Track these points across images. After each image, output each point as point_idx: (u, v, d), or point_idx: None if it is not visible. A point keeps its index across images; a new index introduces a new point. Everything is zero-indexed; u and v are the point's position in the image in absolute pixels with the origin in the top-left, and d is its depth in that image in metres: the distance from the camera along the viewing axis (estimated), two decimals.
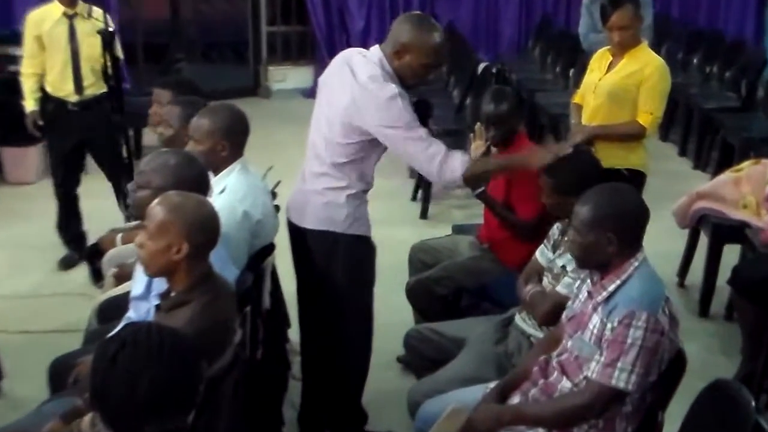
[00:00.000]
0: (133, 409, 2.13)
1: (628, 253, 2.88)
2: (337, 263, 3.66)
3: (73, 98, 5.72)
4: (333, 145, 3.55)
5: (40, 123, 5.78)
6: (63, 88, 5.71)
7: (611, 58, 4.74)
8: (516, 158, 3.88)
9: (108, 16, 5.59)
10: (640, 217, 2.93)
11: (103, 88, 5.63)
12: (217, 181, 3.60)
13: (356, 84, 3.48)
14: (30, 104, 5.78)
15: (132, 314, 3.29)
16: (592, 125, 4.70)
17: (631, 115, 4.62)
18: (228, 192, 3.58)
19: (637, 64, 4.63)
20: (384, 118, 3.42)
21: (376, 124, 3.44)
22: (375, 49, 3.56)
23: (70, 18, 5.67)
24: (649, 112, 4.60)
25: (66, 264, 5.91)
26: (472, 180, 3.60)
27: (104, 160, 5.91)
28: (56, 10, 5.67)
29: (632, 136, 4.64)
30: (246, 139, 3.75)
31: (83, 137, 5.80)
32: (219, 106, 3.82)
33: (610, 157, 4.43)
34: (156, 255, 2.81)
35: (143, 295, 3.23)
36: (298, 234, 3.76)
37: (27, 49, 5.76)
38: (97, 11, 5.64)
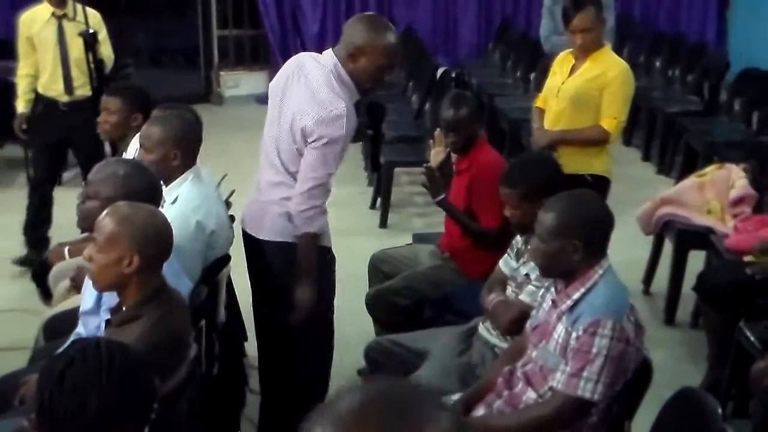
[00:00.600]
0: (83, 428, 2.08)
1: (593, 261, 2.84)
2: (295, 275, 3.57)
3: (64, 98, 5.84)
4: (287, 153, 3.47)
5: (24, 127, 5.95)
6: (54, 88, 5.85)
7: (573, 61, 4.72)
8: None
9: (97, 18, 5.78)
10: (605, 223, 2.89)
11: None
12: (169, 191, 3.51)
13: (308, 91, 3.40)
14: (21, 105, 5.94)
15: (81, 330, 3.21)
16: (555, 130, 4.68)
17: (593, 120, 4.60)
18: (181, 202, 3.49)
19: (600, 68, 4.62)
20: (322, 128, 3.34)
21: (311, 129, 3.36)
22: (329, 54, 3.47)
23: (59, 19, 5.75)
24: (612, 117, 4.58)
25: (22, 262, 5.84)
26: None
27: (86, 162, 5.84)
28: (46, 11, 5.78)
29: (596, 141, 4.62)
30: (199, 147, 3.68)
31: (68, 137, 5.87)
32: (170, 114, 3.73)
33: (573, 162, 4.40)
34: (106, 268, 2.75)
35: (93, 310, 3.16)
36: (254, 245, 3.66)
37: (20, 50, 5.91)
38: (90, 12, 5.76)
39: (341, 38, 3.46)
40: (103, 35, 5.83)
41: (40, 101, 5.90)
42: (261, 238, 3.62)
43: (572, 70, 4.70)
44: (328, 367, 3.80)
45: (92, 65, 5.50)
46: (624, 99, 4.63)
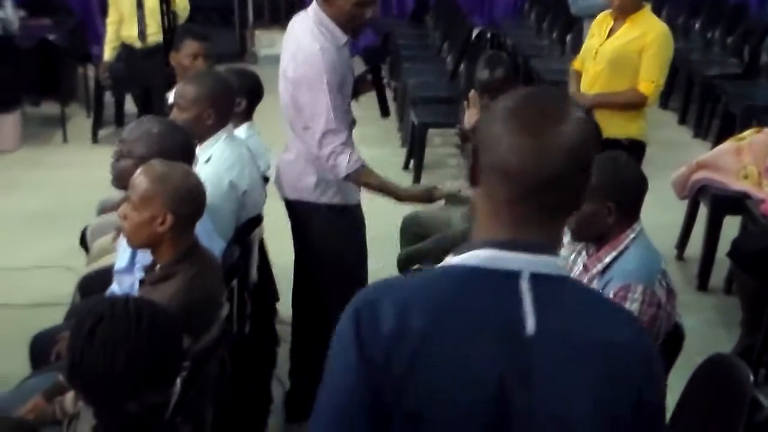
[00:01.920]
0: (112, 385, 2.10)
1: (625, 224, 2.81)
2: (312, 235, 3.59)
3: (138, 45, 6.28)
4: (292, 110, 3.47)
5: (106, 75, 6.52)
6: (130, 35, 6.29)
7: (612, 23, 4.66)
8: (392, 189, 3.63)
9: None
10: (639, 186, 2.86)
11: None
12: (202, 150, 3.52)
13: (293, 44, 3.44)
14: (106, 53, 6.56)
15: (116, 288, 3.23)
16: (592, 94, 4.63)
17: (631, 83, 4.55)
18: (214, 162, 3.50)
19: (639, 30, 4.55)
20: (300, 71, 3.36)
21: (292, 77, 3.38)
22: (312, 3, 3.47)
23: None
24: (650, 80, 4.53)
25: None
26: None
27: (159, 110, 5.94)
28: None
29: (633, 105, 4.57)
30: (233, 107, 3.68)
31: (145, 81, 6.24)
32: (205, 73, 3.73)
33: (610, 126, 4.35)
34: (140, 227, 2.76)
35: (127, 268, 3.18)
36: (285, 205, 3.68)
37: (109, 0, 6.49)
38: None
39: None
40: None
41: (122, 47, 6.37)
42: (284, 196, 3.66)
43: (610, 32, 4.64)
44: None
45: (165, 15, 5.61)
46: (663, 62, 4.57)
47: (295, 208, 3.64)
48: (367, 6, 3.42)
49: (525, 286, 1.47)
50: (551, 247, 1.52)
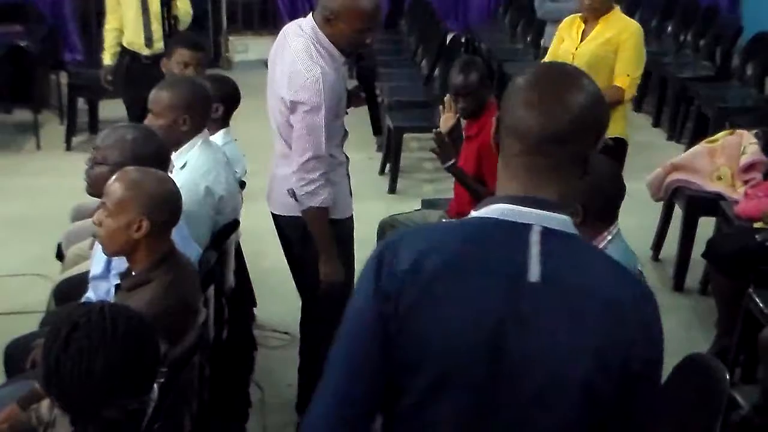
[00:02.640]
0: (88, 392, 2.10)
1: (600, 226, 2.82)
2: (308, 250, 3.54)
3: (145, 51, 6.09)
4: (282, 125, 3.43)
5: (109, 78, 6.28)
6: (136, 41, 6.10)
7: (583, 26, 4.66)
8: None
9: None
10: (611, 190, 2.86)
11: None
12: (178, 157, 3.50)
13: (288, 61, 3.35)
14: (107, 58, 6.30)
15: (91, 294, 3.21)
16: None
17: (607, 81, 4.53)
18: (189, 167, 3.48)
19: (613, 30, 4.57)
20: (299, 96, 3.29)
21: (288, 99, 3.32)
22: (309, 19, 3.41)
23: None
24: (625, 74, 4.54)
25: None
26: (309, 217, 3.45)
27: None
28: None
29: (613, 102, 4.50)
30: (209, 113, 3.67)
31: (151, 89, 5.95)
32: (180, 79, 3.71)
33: None
34: (115, 233, 2.75)
35: (103, 275, 3.16)
36: (275, 222, 3.66)
37: (107, 5, 6.26)
38: None
39: (319, 1, 3.39)
40: None
41: (125, 54, 6.17)
42: (275, 212, 3.62)
43: (583, 34, 4.64)
44: None
45: (166, 20, 5.63)
46: (638, 57, 4.60)
47: (287, 224, 3.58)
48: (368, 32, 3.39)
49: (535, 237, 1.57)
50: (564, 207, 1.61)
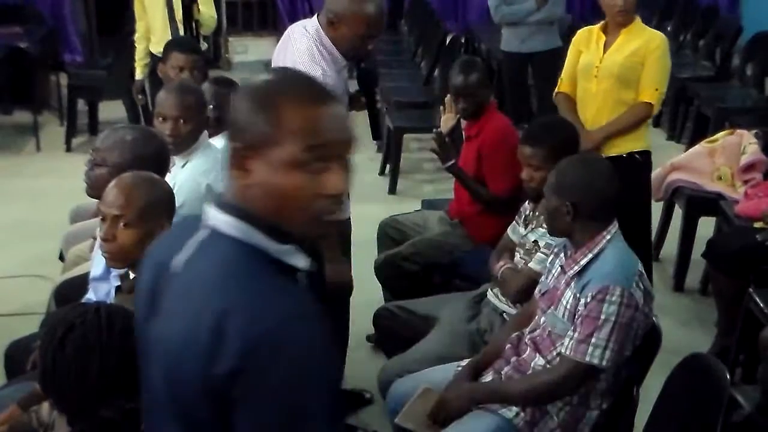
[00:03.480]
0: (86, 392, 2.10)
1: (595, 226, 2.83)
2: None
3: None
4: None
5: (140, 97, 6.07)
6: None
7: (604, 37, 4.43)
8: None
9: None
10: (603, 192, 2.85)
11: None
12: (180, 159, 3.51)
13: (290, 63, 3.34)
14: (137, 72, 6.06)
15: (92, 296, 3.20)
16: (600, 129, 4.35)
17: (636, 93, 4.37)
18: (190, 166, 3.51)
19: (639, 41, 4.37)
20: None
21: None
22: (314, 20, 3.43)
23: None
24: (653, 88, 4.34)
25: None
26: None
27: None
28: None
29: (642, 119, 4.40)
30: (206, 116, 3.68)
31: None
32: (183, 84, 3.72)
33: (620, 145, 4.33)
34: (139, 243, 2.62)
35: (103, 276, 3.15)
36: None
37: (136, 12, 6.04)
38: None
39: (325, 3, 3.40)
40: None
41: (152, 60, 5.97)
42: None
43: (605, 46, 4.41)
44: (345, 336, 3.73)
45: (187, 26, 5.52)
46: (665, 69, 4.40)
47: None
48: (371, 39, 3.40)
49: (201, 235, 1.65)
50: (246, 214, 1.61)
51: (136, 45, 6.06)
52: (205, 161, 3.53)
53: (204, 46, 5.70)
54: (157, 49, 5.84)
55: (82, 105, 7.92)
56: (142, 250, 2.66)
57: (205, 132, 3.65)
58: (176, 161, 3.49)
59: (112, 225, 2.70)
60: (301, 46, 3.36)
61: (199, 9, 5.62)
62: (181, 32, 5.75)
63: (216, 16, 6.09)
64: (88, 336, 2.08)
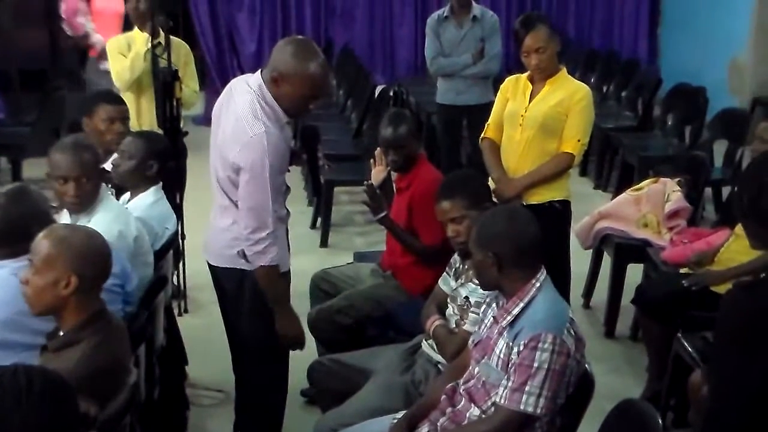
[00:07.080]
0: None
1: (524, 275, 2.85)
2: (244, 302, 3.51)
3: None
4: (224, 180, 3.41)
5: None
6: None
7: (530, 86, 4.49)
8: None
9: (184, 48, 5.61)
10: (525, 239, 2.87)
11: None
12: (84, 215, 3.52)
13: (233, 119, 3.34)
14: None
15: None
16: (521, 177, 4.43)
17: (559, 143, 4.43)
18: (95, 221, 3.45)
19: (564, 92, 4.43)
20: (243, 155, 3.27)
21: (233, 159, 3.30)
22: (257, 76, 3.41)
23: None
24: (575, 139, 4.40)
25: None
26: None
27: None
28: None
29: (563, 170, 4.49)
30: (102, 172, 3.73)
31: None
32: (76, 141, 3.68)
33: (539, 193, 4.41)
34: (43, 291, 2.70)
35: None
36: (212, 273, 3.62)
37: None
38: (176, 41, 5.53)
39: (269, 60, 3.39)
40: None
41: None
42: (213, 264, 3.58)
43: (531, 95, 4.48)
44: (283, 395, 3.71)
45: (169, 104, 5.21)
46: (588, 121, 4.46)
47: (223, 275, 3.55)
48: (313, 99, 3.40)
49: None
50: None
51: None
52: (110, 209, 3.56)
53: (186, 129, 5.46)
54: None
55: (5, 163, 7.78)
56: (50, 300, 2.69)
57: (103, 185, 3.64)
58: (80, 220, 3.45)
59: (28, 270, 2.75)
60: (244, 102, 3.34)
61: (181, 87, 5.28)
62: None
63: (198, 94, 5.86)
64: (5, 398, 2.02)
